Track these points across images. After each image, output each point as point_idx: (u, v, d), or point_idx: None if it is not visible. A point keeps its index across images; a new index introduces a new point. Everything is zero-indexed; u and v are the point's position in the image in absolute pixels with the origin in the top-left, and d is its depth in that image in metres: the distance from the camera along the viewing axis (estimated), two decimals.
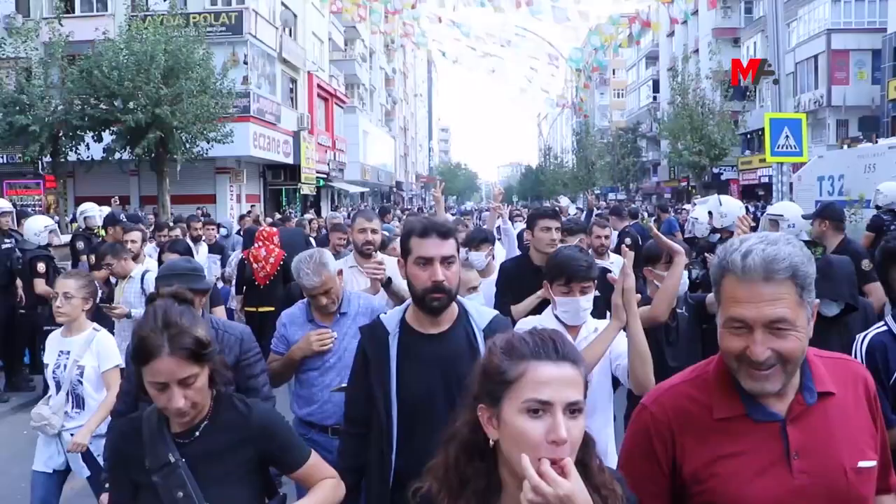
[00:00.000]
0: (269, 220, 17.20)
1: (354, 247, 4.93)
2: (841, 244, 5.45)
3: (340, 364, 3.61)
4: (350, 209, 30.75)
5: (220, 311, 5.56)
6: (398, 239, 6.56)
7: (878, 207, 8.15)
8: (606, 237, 6.39)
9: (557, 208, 8.74)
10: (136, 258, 6.81)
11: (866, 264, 5.32)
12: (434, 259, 2.50)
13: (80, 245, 9.90)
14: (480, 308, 2.76)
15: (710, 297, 3.71)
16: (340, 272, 3.77)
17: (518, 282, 4.47)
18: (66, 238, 11.23)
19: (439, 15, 16.83)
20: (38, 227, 8.49)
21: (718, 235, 7.15)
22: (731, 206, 7.22)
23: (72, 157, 19.57)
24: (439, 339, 2.58)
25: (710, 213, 7.45)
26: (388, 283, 4.52)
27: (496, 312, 2.74)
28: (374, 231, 4.80)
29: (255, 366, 3.43)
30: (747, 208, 19.90)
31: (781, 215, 6.22)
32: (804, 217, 6.22)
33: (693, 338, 4.06)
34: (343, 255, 6.66)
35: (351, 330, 3.66)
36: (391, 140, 58.85)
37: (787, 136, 9.59)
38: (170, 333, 2.09)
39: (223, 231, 12.54)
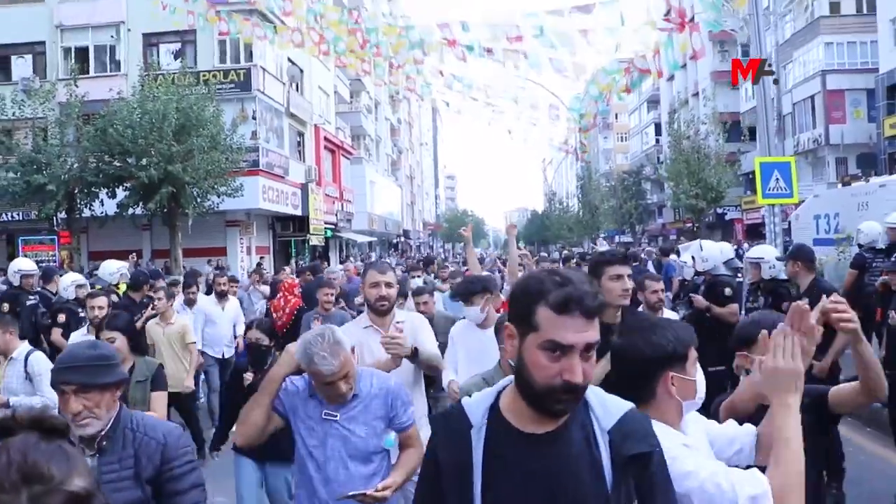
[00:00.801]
0: (286, 271, 17.54)
1: (367, 304, 4.38)
2: (812, 283, 5.79)
3: (342, 453, 3.09)
4: (361, 258, 31.14)
5: (159, 399, 4.82)
6: (423, 292, 6.55)
7: (860, 246, 8.52)
8: (663, 290, 5.86)
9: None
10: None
11: None
12: (574, 349, 1.74)
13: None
14: (607, 398, 1.92)
15: (836, 391, 2.93)
16: (353, 349, 3.17)
17: None
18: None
19: (440, 69, 17.34)
20: (66, 283, 8.98)
21: (703, 278, 7.58)
22: (711, 251, 7.76)
23: (86, 213, 20.13)
24: (547, 442, 1.82)
25: (693, 257, 7.91)
26: (414, 355, 4.03)
27: (629, 406, 1.90)
28: (388, 285, 4.26)
29: (183, 479, 2.63)
30: (740, 248, 20.23)
31: (762, 258, 6.61)
32: (778, 259, 6.60)
33: (815, 444, 2.72)
34: (333, 315, 6.67)
35: (362, 416, 3.13)
36: (398, 189, 59.61)
37: (777, 179, 9.94)
38: (31, 493, 1.34)
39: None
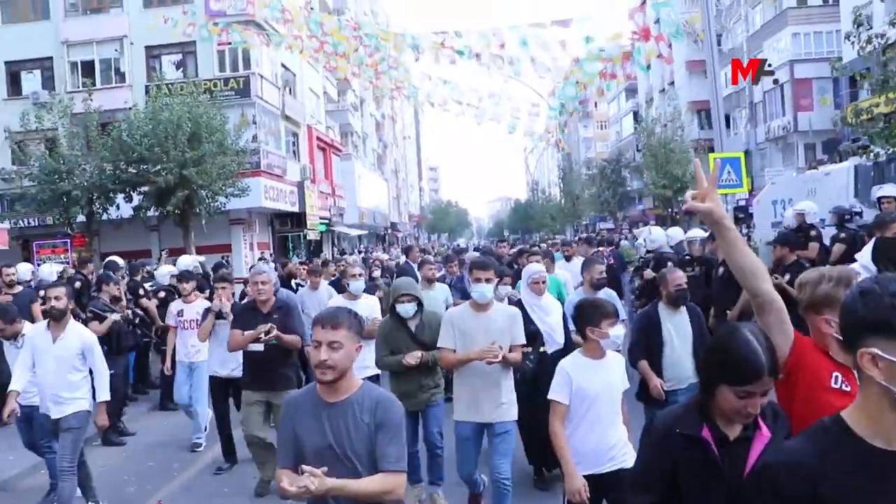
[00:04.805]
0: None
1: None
2: None
3: None
4: (360, 250, 32.51)
5: None
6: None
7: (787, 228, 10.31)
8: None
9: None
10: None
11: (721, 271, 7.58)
12: None
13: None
14: None
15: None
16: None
17: None
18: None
19: (429, 74, 18.85)
20: (163, 273, 11.37)
21: (652, 254, 9.52)
22: (657, 234, 9.89)
23: (104, 217, 21.47)
24: None
25: (644, 240, 9.93)
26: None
27: None
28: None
29: None
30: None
31: (695, 237, 8.47)
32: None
33: None
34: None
35: None
36: (384, 183, 60.99)
37: (729, 172, 11.59)
38: None
39: None
